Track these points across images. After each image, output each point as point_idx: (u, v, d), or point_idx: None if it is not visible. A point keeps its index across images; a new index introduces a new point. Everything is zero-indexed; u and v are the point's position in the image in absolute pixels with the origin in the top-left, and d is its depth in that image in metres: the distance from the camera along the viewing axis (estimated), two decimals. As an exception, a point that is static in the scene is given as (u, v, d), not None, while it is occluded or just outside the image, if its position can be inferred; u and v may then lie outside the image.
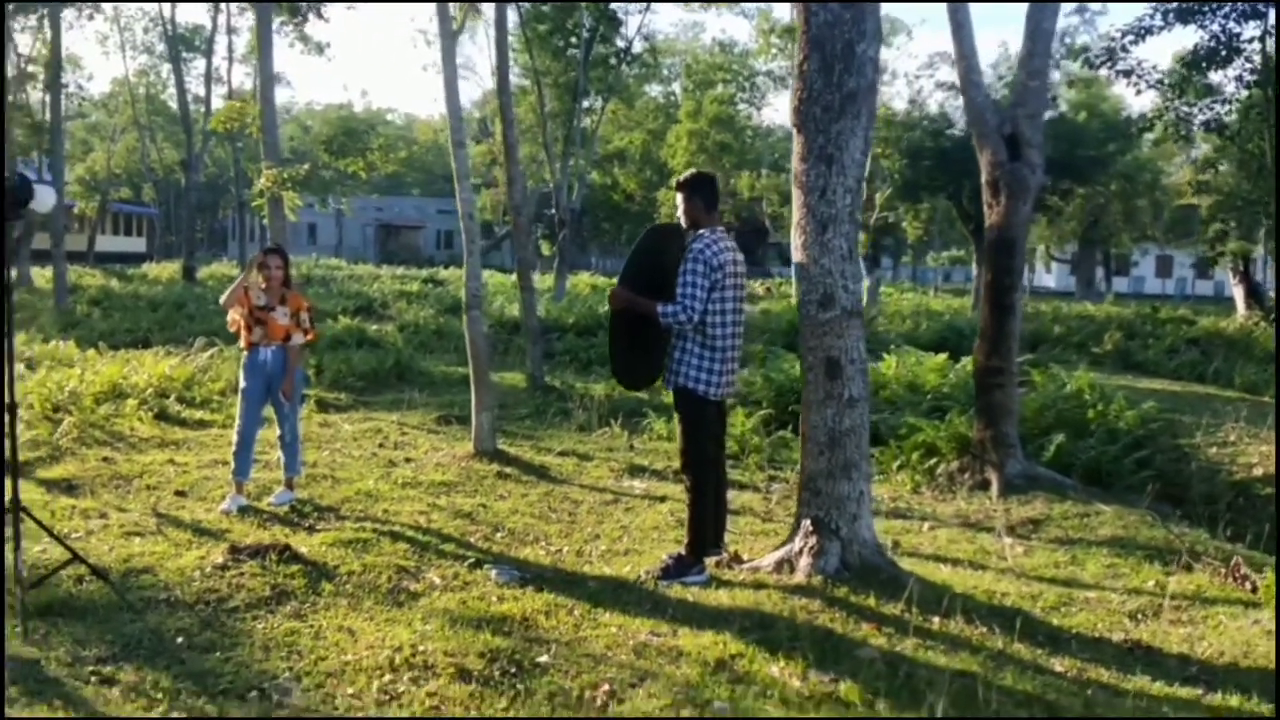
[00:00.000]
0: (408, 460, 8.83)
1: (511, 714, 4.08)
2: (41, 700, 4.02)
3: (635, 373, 6.13)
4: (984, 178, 8.23)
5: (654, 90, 51.28)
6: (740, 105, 45.21)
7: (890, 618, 5.13)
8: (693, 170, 6.14)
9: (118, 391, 10.69)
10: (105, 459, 8.42)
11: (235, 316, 7.36)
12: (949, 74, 33.12)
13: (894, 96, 42.42)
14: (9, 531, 4.94)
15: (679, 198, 5.88)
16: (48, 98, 29.49)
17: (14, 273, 30.06)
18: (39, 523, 5.39)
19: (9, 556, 4.93)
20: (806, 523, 5.73)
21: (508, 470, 8.59)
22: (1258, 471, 8.70)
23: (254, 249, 50.89)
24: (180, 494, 7.43)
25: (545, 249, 60.71)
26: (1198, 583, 5.95)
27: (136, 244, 57.29)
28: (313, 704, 4.11)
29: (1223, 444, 10.01)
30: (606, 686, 4.34)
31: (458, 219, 8.95)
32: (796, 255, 5.82)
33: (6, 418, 4.93)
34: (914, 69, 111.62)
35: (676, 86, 51.57)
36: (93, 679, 4.23)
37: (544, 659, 4.60)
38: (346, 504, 7.28)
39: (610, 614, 5.17)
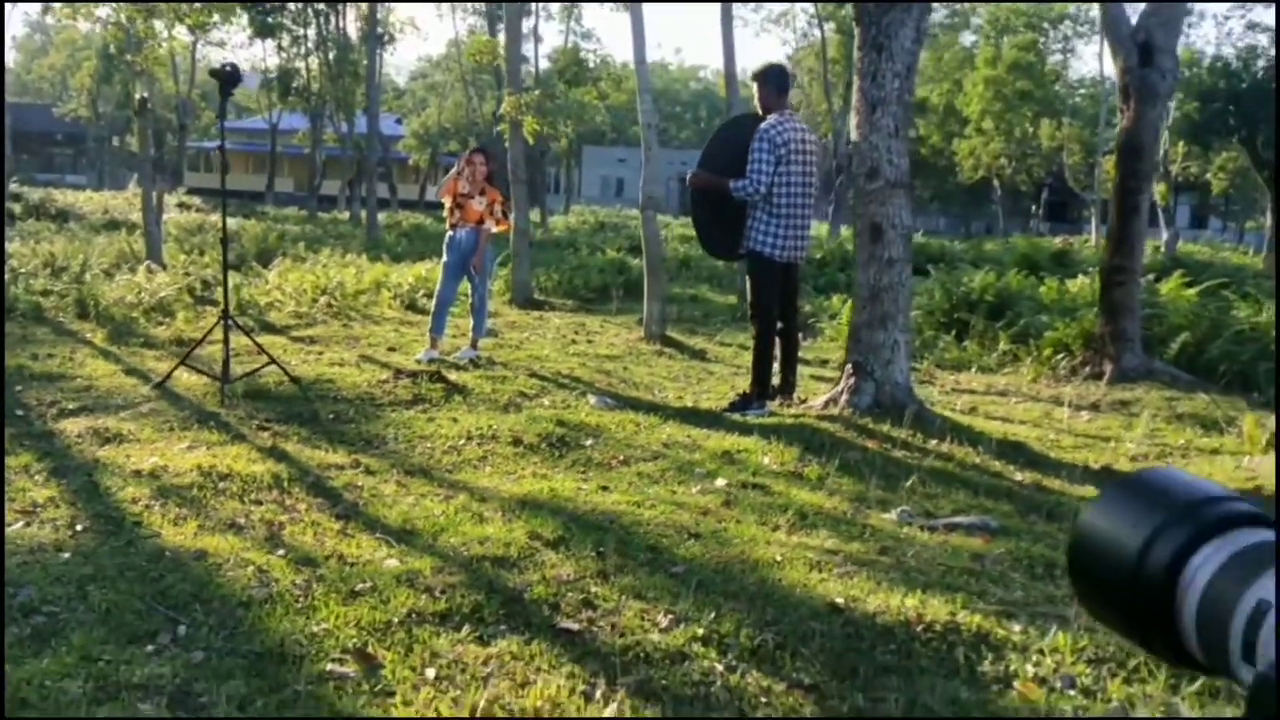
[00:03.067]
0: (589, 341, 10.24)
1: (540, 467, 5.34)
2: (218, 431, 5.69)
3: (719, 242, 7.19)
4: (1118, 84, 8.53)
5: (967, 39, 50.10)
6: (1046, 53, 43.56)
7: (897, 439, 5.98)
8: (766, 62, 7.07)
9: (380, 286, 12.79)
10: (345, 326, 10.39)
11: (446, 201, 8.99)
12: (1263, 13, 30.73)
13: (1199, 40, 39.34)
14: (219, 334, 6.74)
15: (755, 88, 6.87)
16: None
17: (346, 213, 34.28)
18: (245, 332, 7.21)
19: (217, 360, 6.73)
20: (849, 366, 6.63)
21: (668, 350, 9.82)
22: None
23: (556, 200, 54.59)
24: (391, 349, 9.18)
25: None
26: (1222, 442, 6.33)
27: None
28: (401, 451, 5.55)
29: None
30: (624, 457, 5.53)
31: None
32: (853, 134, 6.67)
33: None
34: (1225, 8, 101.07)
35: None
36: (255, 427, 5.89)
37: (588, 442, 5.83)
38: (517, 362, 8.76)
39: (668, 427, 6.31)
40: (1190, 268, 14.00)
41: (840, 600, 3.40)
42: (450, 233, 8.91)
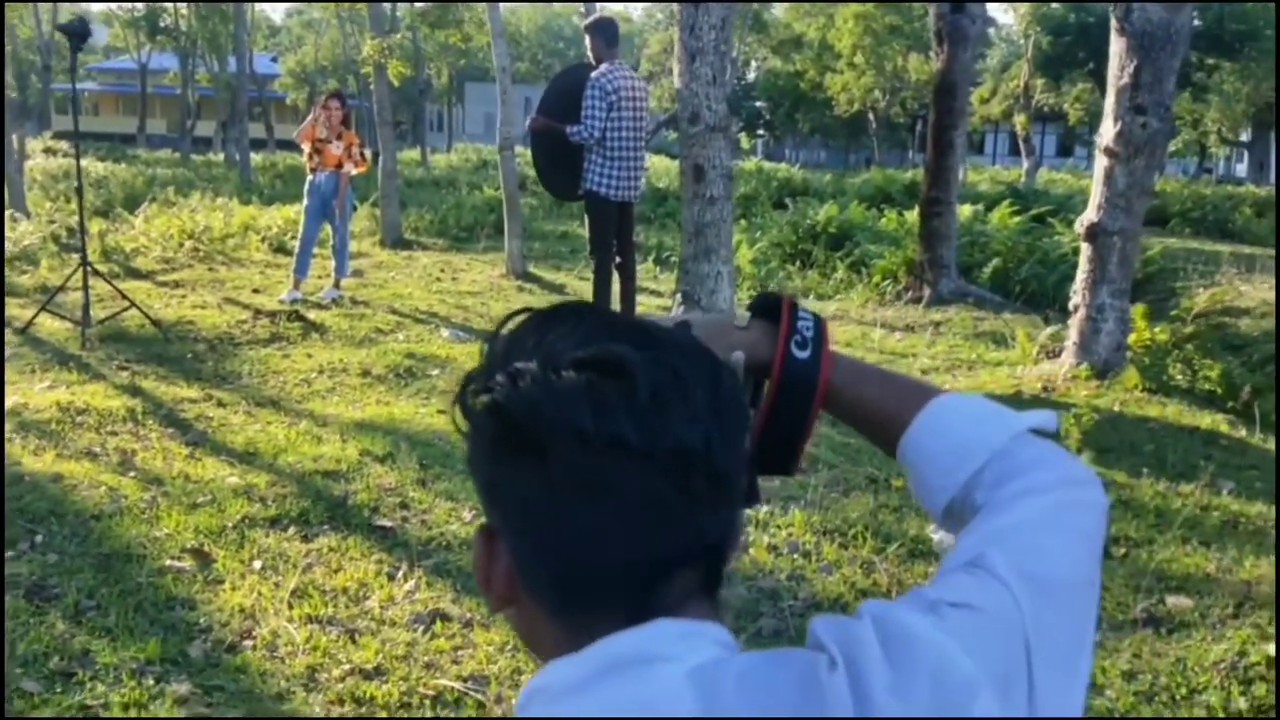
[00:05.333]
0: (453, 279, 10.66)
1: (385, 395, 5.81)
2: (78, 372, 6.03)
3: (558, 183, 7.69)
4: (932, 28, 9.21)
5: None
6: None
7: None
8: (596, 15, 7.52)
9: (248, 229, 12.98)
10: (211, 270, 10.63)
11: (305, 147, 9.27)
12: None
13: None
14: (82, 281, 7.03)
15: (586, 39, 7.34)
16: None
17: (221, 155, 33.67)
18: (106, 279, 7.51)
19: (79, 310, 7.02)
20: (678, 296, 7.22)
21: (529, 286, 10.31)
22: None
23: (440, 139, 54.05)
24: (256, 291, 9.48)
25: (745, 142, 61.59)
26: (1007, 355, 7.10)
27: (346, 135, 61.38)
28: (254, 385, 5.97)
29: (1210, 285, 10.67)
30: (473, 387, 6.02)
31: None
32: (676, 81, 7.19)
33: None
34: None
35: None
36: (115, 368, 6.23)
37: (434, 372, 6.32)
38: (378, 300, 9.15)
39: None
40: (1026, 197, 14.90)
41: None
42: (310, 177, 9.21)
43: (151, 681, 2.66)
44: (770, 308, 0.93)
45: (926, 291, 9.20)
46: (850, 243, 11.12)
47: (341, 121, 9.20)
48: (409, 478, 4.19)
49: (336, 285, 9.28)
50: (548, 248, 13.57)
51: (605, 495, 0.67)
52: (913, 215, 10.70)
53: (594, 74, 7.10)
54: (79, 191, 7.66)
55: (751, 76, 63.26)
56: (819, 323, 0.91)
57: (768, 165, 27.85)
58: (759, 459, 0.92)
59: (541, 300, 8.05)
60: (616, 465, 0.67)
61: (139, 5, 39.21)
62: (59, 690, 2.61)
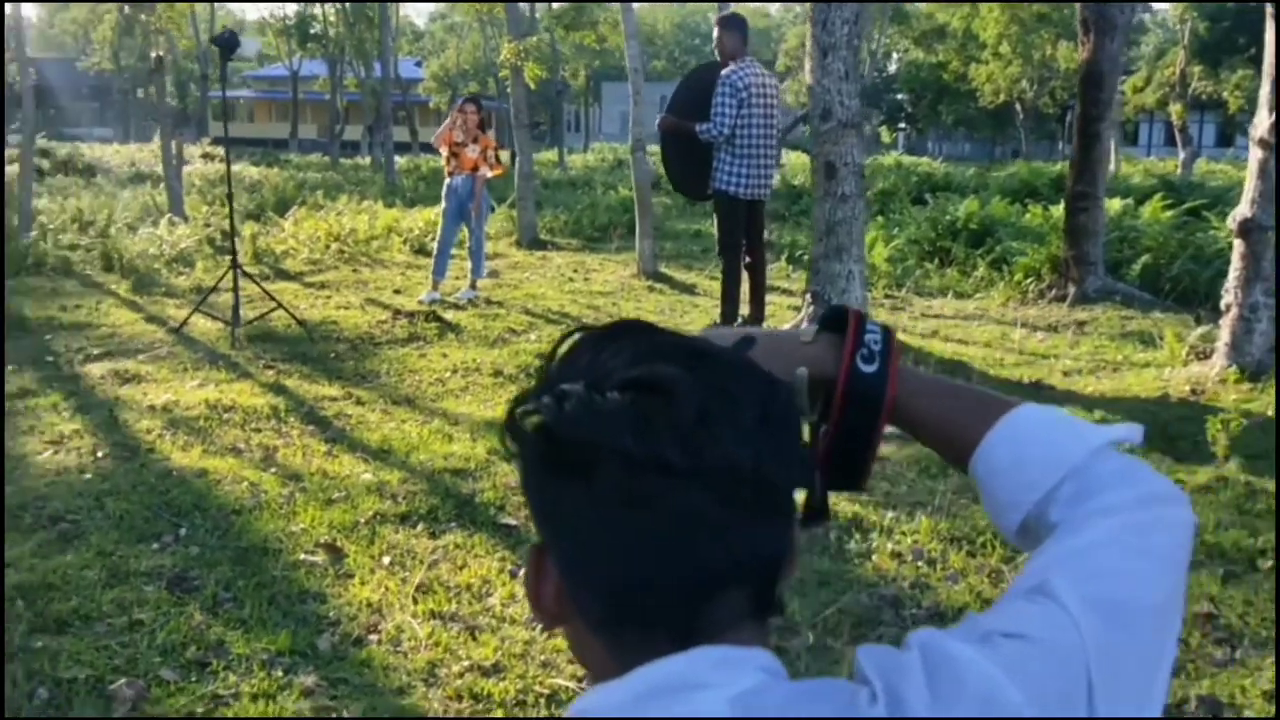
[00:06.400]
0: (585, 279, 10.76)
1: (512, 394, 5.88)
2: (226, 371, 6.29)
3: (687, 182, 7.68)
4: (1078, 17, 8.87)
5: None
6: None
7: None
8: (726, 11, 7.48)
9: (391, 231, 13.36)
10: (355, 271, 10.96)
11: (442, 150, 9.50)
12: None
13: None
14: (230, 283, 7.33)
15: (714, 35, 7.31)
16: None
17: (367, 159, 34.73)
18: (255, 280, 7.81)
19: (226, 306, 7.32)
20: (808, 296, 7.13)
21: (659, 286, 10.33)
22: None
23: (577, 139, 54.65)
24: (396, 292, 9.75)
25: (885, 136, 60.57)
26: (1155, 356, 6.78)
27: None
28: (391, 384, 6.13)
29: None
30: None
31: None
32: (807, 77, 7.10)
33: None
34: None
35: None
36: (262, 366, 6.48)
37: (563, 373, 6.38)
38: (512, 300, 9.30)
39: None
40: (1181, 189, 14.25)
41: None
42: (447, 180, 9.42)
43: (280, 673, 2.75)
44: (839, 321, 0.91)
45: (1071, 289, 8.87)
46: (992, 239, 10.80)
47: (478, 125, 9.38)
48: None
49: (473, 286, 9.47)
50: (680, 247, 13.57)
51: (649, 514, 0.68)
52: (1059, 210, 10.33)
53: (724, 71, 7.08)
54: (229, 197, 8.02)
55: (893, 69, 62.16)
56: (887, 336, 0.89)
57: (907, 160, 27.28)
58: (828, 475, 0.91)
59: (670, 301, 8.08)
60: (660, 484, 0.67)
61: (290, 13, 40.78)
62: (194, 679, 2.72)
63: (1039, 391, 5.94)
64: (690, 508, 0.67)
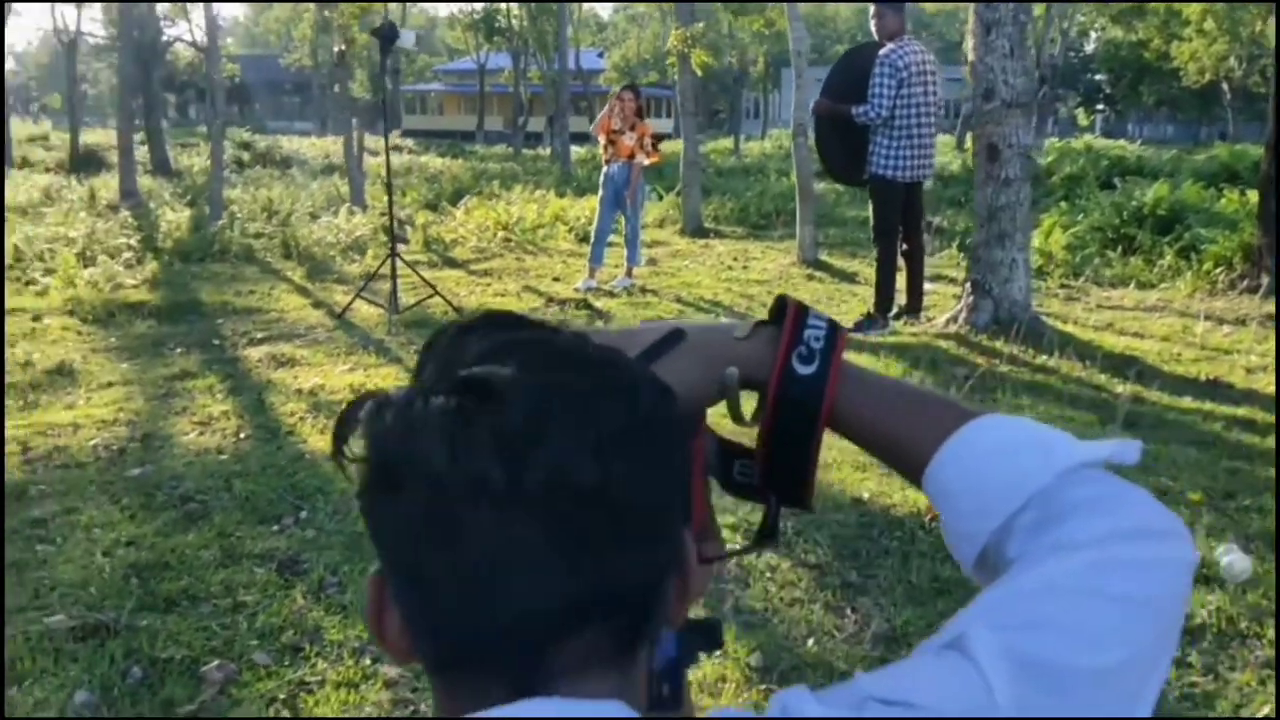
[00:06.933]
0: (744, 267, 10.59)
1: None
2: (378, 356, 6.44)
3: (843, 167, 7.42)
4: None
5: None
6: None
7: (1006, 354, 6.14)
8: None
9: (558, 220, 13.51)
10: (518, 260, 11.11)
11: (600, 138, 9.52)
12: None
13: None
14: (387, 269, 7.50)
15: (872, 13, 7.02)
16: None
17: (549, 149, 35.38)
18: (412, 268, 7.97)
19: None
20: (968, 285, 6.79)
21: (819, 274, 10.06)
22: None
23: (756, 125, 54.21)
24: (555, 279, 9.82)
25: (1082, 118, 57.83)
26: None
27: (664, 125, 63.05)
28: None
29: None
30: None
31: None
32: (969, 55, 6.75)
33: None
34: None
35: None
36: (413, 351, 6.59)
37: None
38: (668, 289, 9.22)
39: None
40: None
41: (865, 495, 3.75)
42: (605, 168, 9.42)
43: (368, 661, 2.74)
44: (783, 314, 0.78)
45: (1264, 280, 8.18)
46: (1181, 226, 10.09)
47: (635, 112, 9.33)
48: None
49: (629, 274, 9.44)
50: (846, 234, 13.23)
51: (466, 543, 0.56)
52: (1256, 195, 9.55)
53: (882, 51, 6.80)
54: (388, 187, 8.23)
55: (1090, 48, 59.20)
56: (832, 332, 0.76)
57: (1100, 143, 25.86)
58: (768, 490, 0.79)
59: (828, 290, 7.85)
60: (478, 508, 0.55)
61: (478, 8, 41.87)
62: (285, 664, 2.74)
63: (1215, 390, 5.47)
64: (514, 536, 0.56)
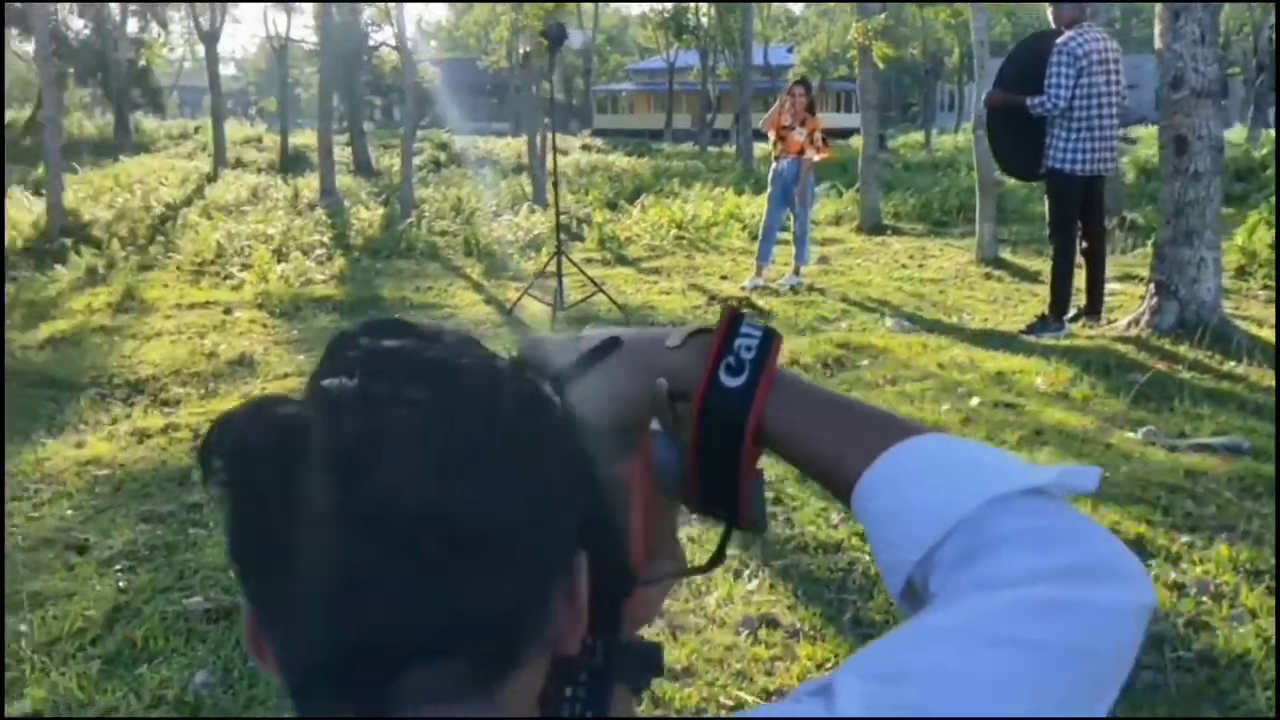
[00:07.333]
0: (919, 266, 10.29)
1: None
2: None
3: (1017, 162, 7.10)
4: None
5: None
6: None
7: (1189, 360, 5.76)
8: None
9: (732, 218, 13.46)
10: (689, 257, 11.12)
11: (770, 134, 9.45)
12: None
13: None
14: (552, 267, 7.63)
15: (1050, 4, 6.70)
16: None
17: (734, 147, 35.36)
18: (577, 266, 8.08)
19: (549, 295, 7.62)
20: (1152, 286, 6.39)
21: (997, 273, 9.68)
22: None
23: (951, 119, 52.58)
24: (723, 278, 9.79)
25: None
26: None
27: (851, 119, 61.93)
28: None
29: None
30: (893, 377, 5.79)
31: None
32: (1157, 41, 6.34)
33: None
34: None
35: None
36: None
37: (864, 363, 6.13)
38: (836, 287, 9.05)
39: (955, 349, 6.44)
40: None
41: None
42: (774, 164, 9.33)
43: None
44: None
45: None
46: None
47: (806, 108, 9.20)
48: (788, 474, 4.06)
49: (796, 272, 9.32)
50: (1032, 231, 12.64)
51: (303, 568, 0.54)
52: None
53: (1060, 39, 6.48)
54: (555, 185, 8.32)
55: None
56: (766, 341, 0.71)
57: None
58: (704, 509, 0.75)
59: (1005, 289, 7.54)
60: (312, 531, 0.53)
61: (668, 6, 42.16)
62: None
63: None
64: (350, 561, 0.53)
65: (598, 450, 0.71)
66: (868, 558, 3.29)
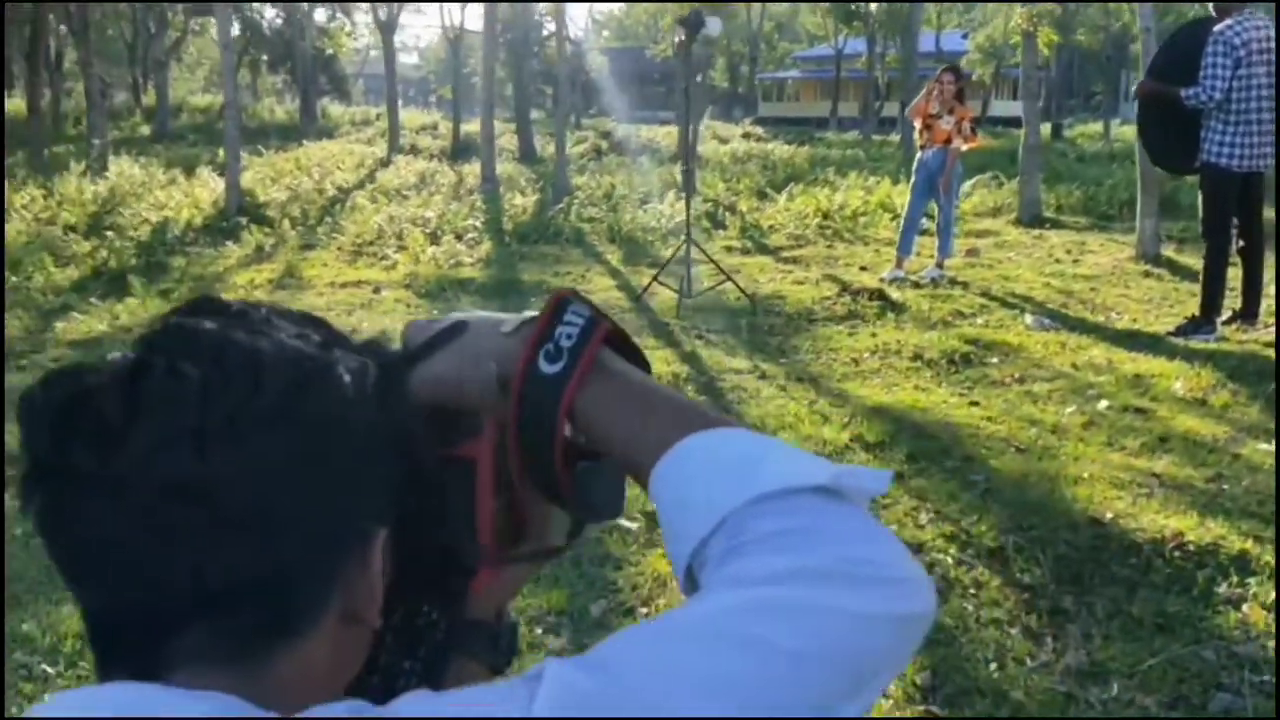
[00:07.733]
0: (1074, 261, 9.88)
1: (927, 381, 5.59)
2: (657, 338, 6.59)
3: (1168, 155, 6.75)
4: None
5: None
6: None
7: (1348, 369, 5.38)
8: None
9: (881, 208, 13.21)
10: (830, 247, 10.96)
11: (916, 123, 9.24)
12: None
13: None
14: (682, 254, 7.64)
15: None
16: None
17: (899, 135, 34.61)
18: (706, 255, 8.08)
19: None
20: (1303, 288, 5.99)
21: (1157, 271, 9.20)
22: None
23: (1130, 108, 50.10)
24: (863, 269, 9.61)
25: None
26: None
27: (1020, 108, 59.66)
28: (804, 361, 6.07)
29: None
30: (1020, 376, 5.61)
31: None
32: (1326, 27, 5.93)
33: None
34: None
35: None
36: (693, 335, 6.71)
37: (993, 360, 5.95)
38: (980, 281, 8.78)
39: (1095, 349, 6.18)
40: None
41: (1109, 515, 3.42)
42: (919, 153, 9.11)
43: (540, 631, 2.83)
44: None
45: None
46: None
47: (955, 96, 8.96)
48: (892, 467, 3.99)
49: (939, 265, 9.08)
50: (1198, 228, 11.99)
51: (71, 533, 0.59)
52: None
53: (1218, 27, 6.13)
54: (688, 174, 8.32)
55: None
56: (589, 328, 0.71)
57: None
58: (542, 493, 0.75)
59: (1163, 289, 7.19)
60: (78, 497, 0.58)
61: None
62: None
63: None
64: (112, 527, 0.57)
65: (428, 431, 0.73)
66: (952, 559, 3.21)
